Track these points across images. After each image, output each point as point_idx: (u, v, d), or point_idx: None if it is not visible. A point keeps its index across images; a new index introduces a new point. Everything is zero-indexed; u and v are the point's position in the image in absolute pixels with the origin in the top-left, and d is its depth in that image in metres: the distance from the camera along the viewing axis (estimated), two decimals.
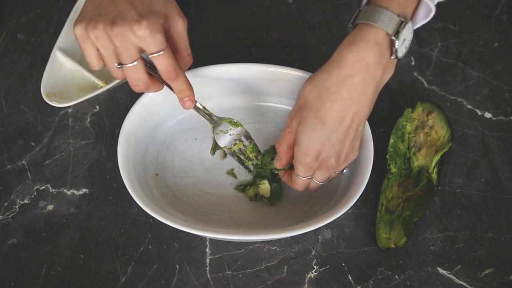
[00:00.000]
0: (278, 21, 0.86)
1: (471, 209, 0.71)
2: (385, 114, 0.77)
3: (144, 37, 0.55)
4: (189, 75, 0.68)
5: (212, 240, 0.70)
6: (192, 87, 0.62)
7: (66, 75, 0.77)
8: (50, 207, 0.72)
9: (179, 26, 0.60)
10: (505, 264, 0.68)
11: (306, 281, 0.67)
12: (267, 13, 0.87)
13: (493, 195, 0.72)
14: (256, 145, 0.70)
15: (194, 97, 0.63)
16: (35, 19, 0.86)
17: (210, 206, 0.70)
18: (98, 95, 0.75)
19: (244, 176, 0.72)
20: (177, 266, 0.68)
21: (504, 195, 0.72)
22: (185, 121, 0.75)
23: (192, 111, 0.70)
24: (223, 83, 0.73)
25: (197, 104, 0.66)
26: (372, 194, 0.72)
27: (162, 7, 0.58)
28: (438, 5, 0.61)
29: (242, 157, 0.70)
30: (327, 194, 0.69)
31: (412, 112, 0.73)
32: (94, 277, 0.68)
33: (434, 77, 0.81)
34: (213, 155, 0.70)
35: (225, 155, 0.74)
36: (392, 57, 0.58)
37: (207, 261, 0.69)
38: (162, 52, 0.57)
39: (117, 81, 0.73)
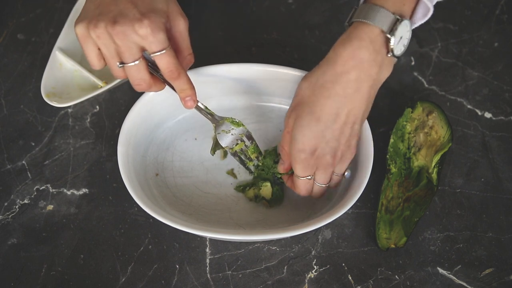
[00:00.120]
0: (278, 21, 0.86)
1: (471, 209, 0.71)
2: (385, 114, 0.77)
3: (146, 35, 0.55)
4: (190, 74, 0.68)
5: (212, 240, 0.70)
6: (194, 87, 0.62)
7: (66, 75, 0.77)
8: (50, 207, 0.72)
9: (181, 26, 0.60)
10: (505, 264, 0.68)
11: (306, 281, 0.67)
12: (267, 13, 0.87)
13: (493, 195, 0.72)
14: (257, 145, 0.70)
15: (196, 96, 0.63)
16: (35, 19, 0.86)
17: (210, 206, 0.70)
18: (98, 95, 0.75)
19: (244, 176, 0.72)
20: (177, 266, 0.68)
21: (504, 195, 0.72)
22: (185, 121, 0.75)
23: (192, 111, 0.70)
24: (224, 83, 0.73)
25: (199, 104, 0.65)
26: (372, 194, 0.72)
27: (163, 6, 0.58)
28: (437, 5, 0.61)
29: (243, 157, 0.70)
30: (327, 194, 0.69)
31: (412, 112, 0.73)
32: (94, 277, 0.68)
33: (434, 77, 0.81)
34: (213, 155, 0.70)
35: (225, 155, 0.74)
36: (389, 55, 0.58)
37: (207, 261, 0.69)
38: (164, 51, 0.57)
39: (117, 81, 0.73)
